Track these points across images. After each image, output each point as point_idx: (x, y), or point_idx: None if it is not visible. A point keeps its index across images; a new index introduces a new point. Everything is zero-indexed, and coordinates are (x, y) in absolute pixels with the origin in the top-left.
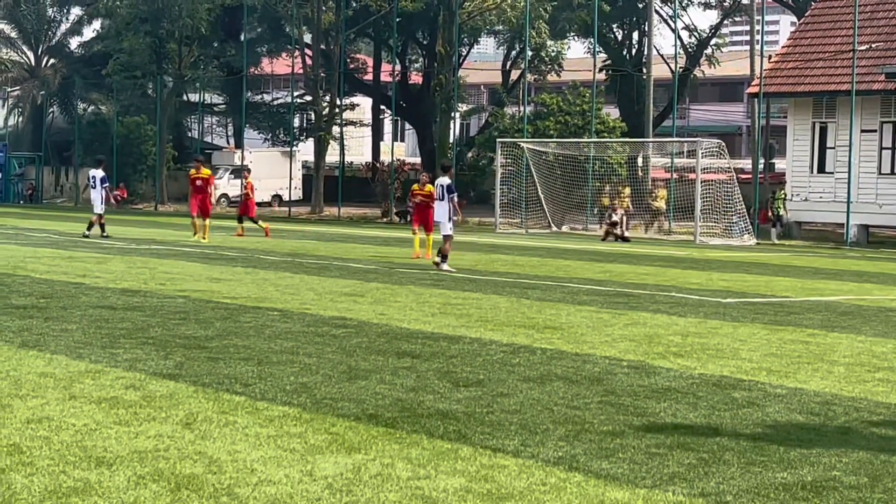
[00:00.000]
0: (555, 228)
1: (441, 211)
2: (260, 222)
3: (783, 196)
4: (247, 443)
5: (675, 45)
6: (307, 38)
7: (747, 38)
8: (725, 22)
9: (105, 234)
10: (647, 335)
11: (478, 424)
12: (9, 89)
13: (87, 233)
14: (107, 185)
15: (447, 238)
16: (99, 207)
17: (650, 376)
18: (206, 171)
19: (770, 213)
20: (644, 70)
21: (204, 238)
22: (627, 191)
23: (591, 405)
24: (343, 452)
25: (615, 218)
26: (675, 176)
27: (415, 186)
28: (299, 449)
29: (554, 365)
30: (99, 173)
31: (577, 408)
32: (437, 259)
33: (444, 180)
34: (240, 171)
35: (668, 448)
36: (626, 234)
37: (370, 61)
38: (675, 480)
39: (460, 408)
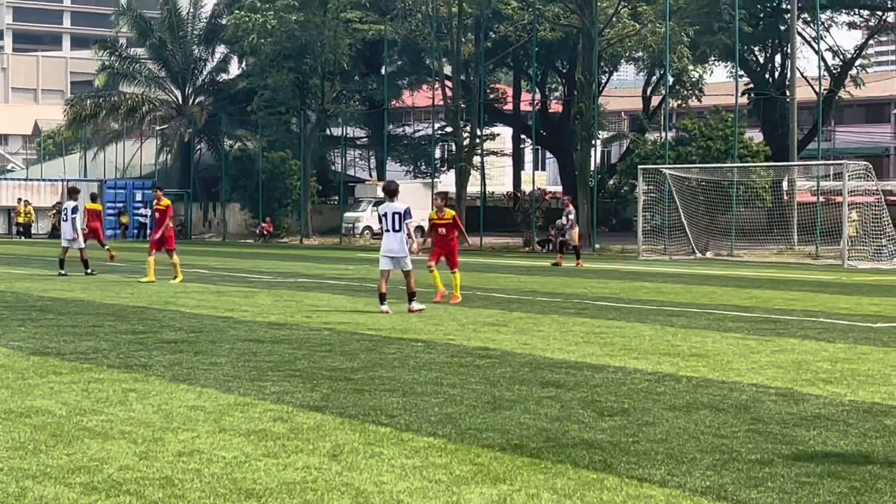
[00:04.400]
0: (698, 254)
1: (398, 244)
2: (107, 246)
3: None
4: (393, 474)
5: (819, 67)
6: (447, 69)
7: (893, 57)
8: (870, 42)
9: (63, 272)
10: (794, 362)
11: (623, 454)
12: (157, 127)
13: (87, 271)
14: (75, 216)
15: (409, 274)
16: (80, 242)
17: (799, 403)
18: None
19: None
20: (787, 93)
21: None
22: (854, 215)
23: (738, 433)
24: (488, 483)
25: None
26: (821, 199)
27: (432, 214)
28: (445, 480)
29: (700, 393)
30: (71, 204)
31: (725, 436)
32: (410, 304)
33: (397, 206)
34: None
35: (819, 477)
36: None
37: (510, 91)
38: None
39: (605, 437)
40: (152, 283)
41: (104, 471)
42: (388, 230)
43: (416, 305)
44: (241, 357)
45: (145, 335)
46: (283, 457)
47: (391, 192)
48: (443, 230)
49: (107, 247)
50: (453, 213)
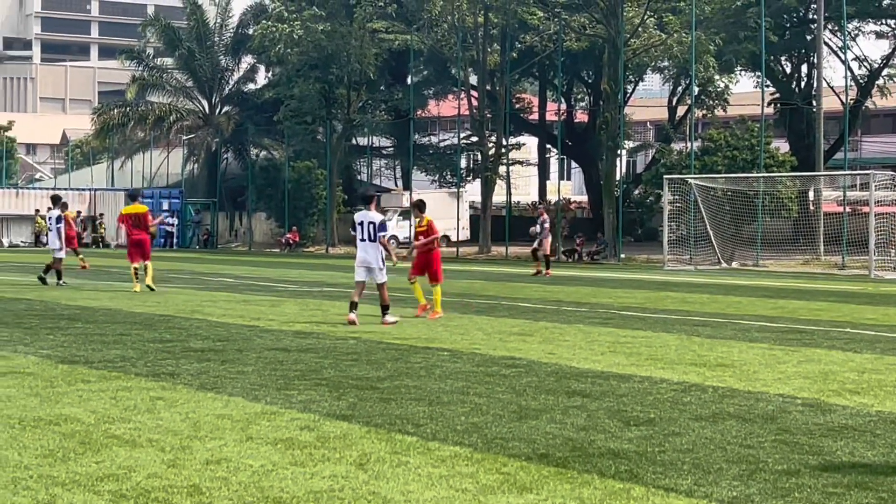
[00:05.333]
0: (724, 264)
1: (372, 254)
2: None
3: None
4: (419, 483)
5: (846, 77)
6: (473, 79)
7: None
8: None
9: (61, 282)
10: (821, 372)
11: (650, 464)
12: (184, 137)
13: (42, 276)
14: (60, 225)
15: (382, 286)
16: (60, 252)
17: (825, 414)
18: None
19: None
20: (814, 103)
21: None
22: None
23: (764, 444)
24: (515, 492)
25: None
26: (847, 209)
27: (416, 223)
28: (471, 489)
29: (726, 403)
30: (55, 213)
31: (751, 446)
32: (384, 318)
33: (373, 216)
34: (407, 213)
35: (846, 488)
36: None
37: (536, 101)
38: None
39: (631, 447)
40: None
41: (133, 478)
42: (362, 239)
43: (389, 318)
44: (268, 366)
45: (172, 344)
46: (310, 465)
47: (366, 199)
48: (423, 238)
49: (80, 255)
50: (429, 219)
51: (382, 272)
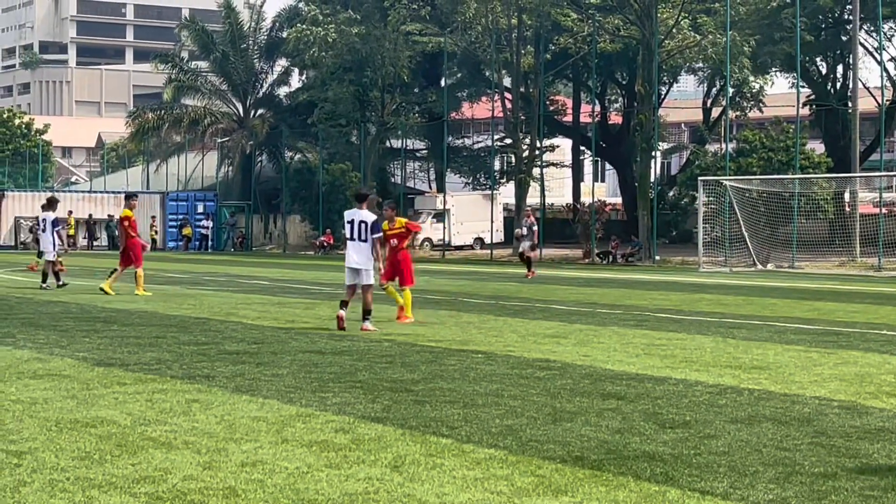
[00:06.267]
0: (760, 266)
1: (362, 255)
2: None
3: None
4: (454, 485)
5: (882, 77)
6: (506, 81)
7: None
8: None
9: (62, 283)
10: (858, 374)
11: (685, 466)
12: (219, 140)
13: (43, 285)
14: (59, 227)
15: (368, 288)
16: (51, 254)
17: (862, 417)
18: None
19: None
20: (849, 104)
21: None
22: None
23: (801, 446)
24: (550, 495)
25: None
26: (883, 211)
27: (384, 225)
28: (506, 491)
29: (762, 406)
30: (50, 216)
31: (787, 449)
32: (363, 323)
33: (365, 215)
34: (441, 215)
35: (883, 490)
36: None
37: (569, 103)
38: None
39: (667, 450)
40: (147, 295)
41: (168, 481)
42: (352, 238)
43: (368, 325)
44: (303, 368)
45: (207, 346)
46: (344, 468)
47: (360, 197)
48: (394, 241)
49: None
50: (404, 220)
51: (370, 274)
